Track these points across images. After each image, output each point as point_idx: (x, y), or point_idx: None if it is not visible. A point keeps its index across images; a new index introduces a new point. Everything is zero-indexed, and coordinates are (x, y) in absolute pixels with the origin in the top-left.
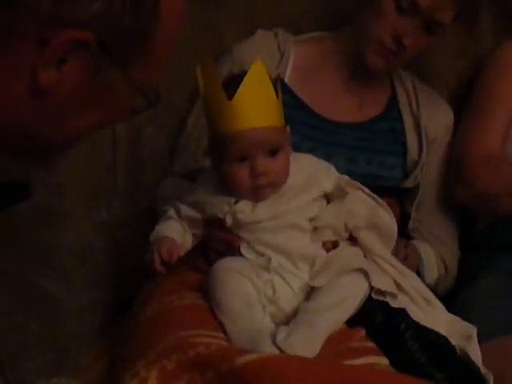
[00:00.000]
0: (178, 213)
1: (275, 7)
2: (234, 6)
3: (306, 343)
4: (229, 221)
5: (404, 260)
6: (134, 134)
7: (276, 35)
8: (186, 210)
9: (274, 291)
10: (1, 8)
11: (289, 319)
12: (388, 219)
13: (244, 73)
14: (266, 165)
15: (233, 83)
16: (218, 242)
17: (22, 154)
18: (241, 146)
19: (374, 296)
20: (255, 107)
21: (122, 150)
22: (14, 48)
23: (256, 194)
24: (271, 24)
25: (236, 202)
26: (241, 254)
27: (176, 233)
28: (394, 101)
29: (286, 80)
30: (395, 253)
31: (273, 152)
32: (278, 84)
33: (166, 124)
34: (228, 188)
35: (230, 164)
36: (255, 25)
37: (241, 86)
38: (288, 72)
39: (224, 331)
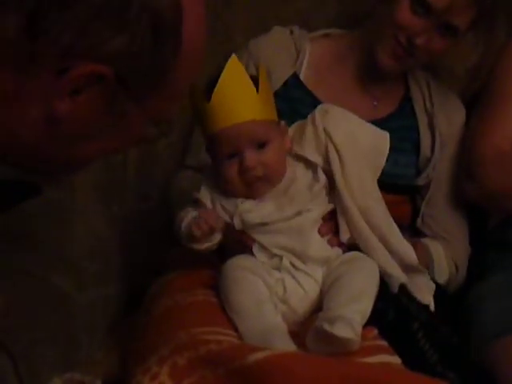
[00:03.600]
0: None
1: (286, 4)
2: (244, 4)
3: (350, 327)
4: (237, 223)
5: None
6: None
7: (291, 32)
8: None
9: (285, 290)
10: (25, 36)
11: (300, 320)
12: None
13: (221, 72)
14: (254, 158)
15: (211, 85)
16: (230, 241)
17: (36, 173)
18: (226, 143)
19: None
20: (233, 104)
21: None
22: (33, 75)
23: (250, 191)
24: (282, 21)
25: (242, 203)
26: (253, 255)
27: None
28: (407, 99)
29: (302, 77)
30: None
31: (260, 145)
32: (264, 78)
33: (178, 119)
34: (224, 188)
35: (221, 162)
36: (266, 22)
37: (217, 86)
38: (303, 69)
39: (236, 329)
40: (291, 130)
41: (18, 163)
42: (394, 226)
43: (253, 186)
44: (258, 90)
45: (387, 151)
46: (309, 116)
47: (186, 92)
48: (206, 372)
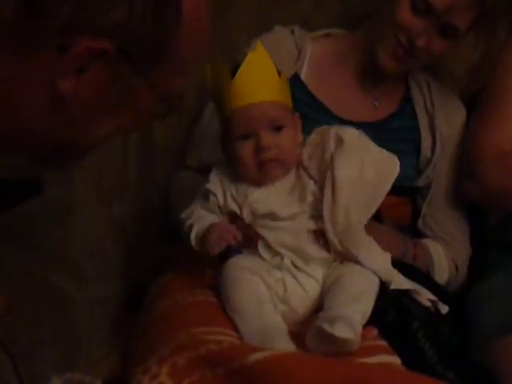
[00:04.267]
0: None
1: (287, 4)
2: (245, 4)
3: (351, 327)
4: (246, 215)
5: (413, 260)
6: (146, 130)
7: (292, 32)
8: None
9: (285, 290)
10: (23, 15)
11: (300, 320)
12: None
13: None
14: (270, 139)
15: (236, 64)
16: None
17: (48, 159)
18: (244, 121)
19: None
20: (256, 83)
21: (133, 145)
22: (34, 56)
23: (264, 172)
24: (283, 21)
25: (252, 193)
26: (257, 251)
27: (216, 219)
28: (408, 99)
29: (303, 77)
30: (403, 253)
31: (277, 128)
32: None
33: (178, 120)
34: (237, 171)
35: (236, 142)
36: (267, 22)
37: (242, 64)
38: (304, 69)
39: (236, 329)
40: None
41: (28, 150)
42: (372, 251)
43: (265, 168)
44: (280, 75)
45: (395, 176)
46: (324, 129)
47: (191, 65)
48: (205, 372)
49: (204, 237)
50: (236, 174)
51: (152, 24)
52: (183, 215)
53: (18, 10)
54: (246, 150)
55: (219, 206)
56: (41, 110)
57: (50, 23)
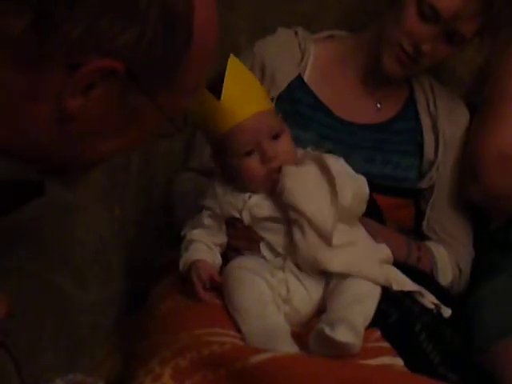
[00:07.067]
0: (200, 224)
1: (289, 7)
2: (248, 7)
3: (352, 330)
4: (246, 218)
5: (417, 262)
6: None
7: (296, 33)
8: (207, 221)
9: (288, 290)
10: (34, 35)
11: (303, 321)
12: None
13: (222, 73)
14: (273, 148)
15: (216, 84)
16: (237, 239)
17: (51, 171)
18: (245, 137)
19: None
20: (245, 97)
21: None
22: (43, 72)
23: (272, 182)
24: (285, 24)
25: (249, 198)
26: (258, 253)
27: (204, 253)
28: (411, 101)
29: (306, 79)
30: (407, 255)
31: (275, 136)
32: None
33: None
34: (242, 184)
35: (240, 160)
36: (269, 25)
37: (225, 83)
38: (307, 71)
39: (239, 330)
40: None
41: (32, 162)
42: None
43: (275, 177)
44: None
45: (367, 195)
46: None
47: (199, 85)
48: (208, 373)
49: (187, 272)
50: (234, 184)
51: (163, 47)
52: (182, 232)
53: (29, 30)
54: (252, 164)
55: (217, 215)
56: (47, 126)
57: (62, 42)
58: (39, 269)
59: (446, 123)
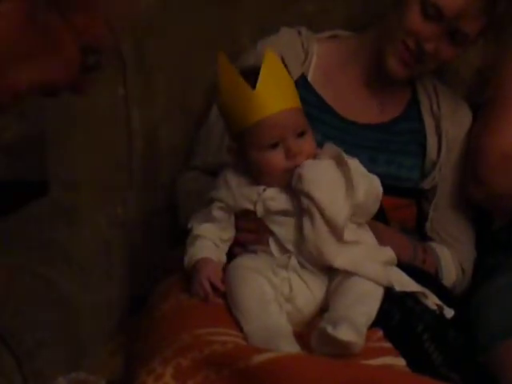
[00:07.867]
0: (209, 217)
1: (292, 7)
2: (250, 7)
3: (354, 330)
4: (260, 210)
5: (422, 264)
6: (150, 132)
7: (299, 33)
8: (216, 213)
9: (291, 289)
10: None
11: (305, 320)
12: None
13: (257, 64)
14: (298, 145)
15: (251, 74)
16: (247, 232)
17: None
18: (272, 130)
19: None
20: (278, 91)
21: (137, 147)
22: None
23: (290, 176)
24: (288, 24)
25: (264, 190)
26: (267, 247)
27: (210, 251)
28: (414, 101)
29: (309, 79)
30: (413, 257)
31: (300, 134)
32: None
33: (182, 121)
34: (259, 176)
35: (263, 152)
36: (272, 25)
37: (261, 74)
38: (311, 71)
39: (241, 329)
40: None
41: None
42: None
43: (293, 171)
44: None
45: (381, 195)
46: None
47: (117, 20)
48: (210, 373)
49: (192, 269)
50: (247, 177)
51: None
52: (189, 225)
53: None
54: (277, 158)
55: (229, 207)
56: None
57: None
58: (42, 269)
59: (449, 124)
